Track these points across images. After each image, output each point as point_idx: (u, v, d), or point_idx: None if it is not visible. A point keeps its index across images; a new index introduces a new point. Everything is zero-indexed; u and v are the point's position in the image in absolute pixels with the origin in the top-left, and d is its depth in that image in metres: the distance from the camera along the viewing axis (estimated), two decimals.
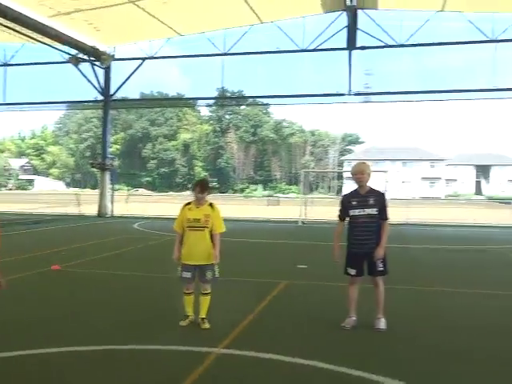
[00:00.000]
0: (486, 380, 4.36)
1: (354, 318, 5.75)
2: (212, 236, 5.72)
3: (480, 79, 22.14)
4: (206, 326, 5.65)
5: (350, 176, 5.87)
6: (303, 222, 22.36)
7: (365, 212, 5.54)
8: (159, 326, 5.78)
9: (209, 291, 5.77)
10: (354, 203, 5.60)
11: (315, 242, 15.34)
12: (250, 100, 28.55)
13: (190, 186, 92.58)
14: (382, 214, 5.59)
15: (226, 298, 7.02)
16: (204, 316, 5.72)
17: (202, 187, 5.69)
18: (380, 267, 5.61)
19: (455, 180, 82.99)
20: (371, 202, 5.55)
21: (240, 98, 27.01)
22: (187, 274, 5.72)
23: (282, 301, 7.24)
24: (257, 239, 16.09)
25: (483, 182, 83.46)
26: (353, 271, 5.70)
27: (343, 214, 5.74)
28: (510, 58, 21.90)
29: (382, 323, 5.66)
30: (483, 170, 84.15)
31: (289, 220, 23.85)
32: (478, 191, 79.91)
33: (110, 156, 26.39)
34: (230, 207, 29.40)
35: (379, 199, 5.62)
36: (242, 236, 16.74)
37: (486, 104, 69.73)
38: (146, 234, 17.14)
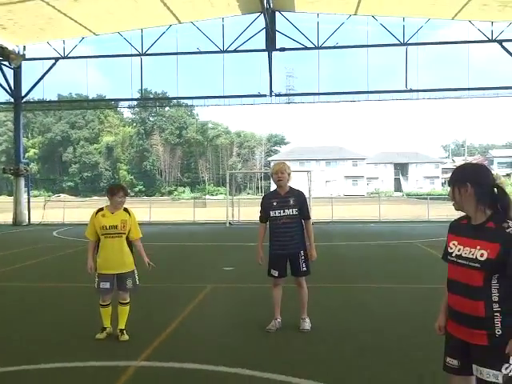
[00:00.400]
0: (407, 375, 4.45)
1: (279, 320, 5.71)
2: (130, 243, 5.48)
3: (394, 81, 23.08)
4: (125, 337, 5.38)
5: (270, 175, 5.79)
6: (231, 223, 22.29)
7: (285, 213, 5.47)
8: (75, 341, 5.42)
9: (128, 301, 5.51)
10: (274, 204, 5.50)
11: (242, 242, 15.27)
12: (174, 101, 28.09)
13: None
14: (303, 213, 5.56)
15: (148, 305, 6.77)
16: (123, 327, 5.44)
17: (124, 191, 5.47)
18: (303, 267, 5.59)
19: (376, 178, 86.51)
20: (291, 202, 5.49)
21: (162, 99, 26.44)
22: (105, 285, 5.40)
23: (207, 306, 7.06)
24: (183, 242, 15.76)
25: (402, 179, 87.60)
26: (276, 273, 5.62)
27: (264, 215, 5.64)
28: (421, 60, 23.02)
29: (307, 324, 5.66)
30: (401, 168, 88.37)
31: (216, 222, 23.71)
32: (398, 188, 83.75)
33: (24, 161, 24.98)
34: (158, 210, 28.87)
35: (299, 199, 5.56)
36: (168, 239, 16.41)
37: (401, 104, 73.51)
38: (65, 241, 16.32)
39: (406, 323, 5.95)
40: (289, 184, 5.65)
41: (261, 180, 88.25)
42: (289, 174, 5.57)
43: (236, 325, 5.98)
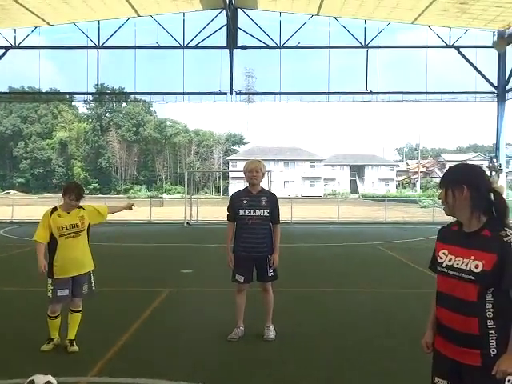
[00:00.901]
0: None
1: (242, 328, 5.37)
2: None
3: (355, 83, 23.17)
4: (75, 348, 4.92)
5: (243, 173, 5.37)
6: (188, 223, 21.80)
7: (255, 213, 5.14)
8: (17, 353, 4.90)
9: (80, 308, 5.07)
10: (244, 202, 5.16)
11: (201, 243, 14.89)
12: (132, 97, 27.28)
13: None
14: (274, 216, 5.25)
15: (100, 312, 6.30)
16: (73, 337, 4.99)
17: (79, 195, 4.99)
18: (270, 272, 5.26)
19: (333, 179, 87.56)
20: (263, 202, 5.18)
21: (118, 94, 25.58)
22: (64, 292, 4.92)
23: (164, 313, 6.63)
24: (138, 243, 15.18)
25: (358, 181, 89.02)
26: (241, 278, 5.24)
27: (232, 213, 5.26)
28: (381, 63, 23.21)
29: (271, 332, 5.34)
30: (358, 170, 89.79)
31: (174, 221, 23.16)
32: (354, 190, 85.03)
33: None
34: None
35: (271, 201, 5.26)
36: (122, 240, 15.77)
37: (360, 107, 74.67)
38: (11, 241, 15.45)
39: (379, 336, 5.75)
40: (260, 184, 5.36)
41: (219, 179, 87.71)
42: (263, 174, 5.30)
43: (195, 333, 5.61)
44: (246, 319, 5.45)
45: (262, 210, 5.16)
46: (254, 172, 5.21)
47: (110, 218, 19.63)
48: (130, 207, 5.66)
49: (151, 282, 8.68)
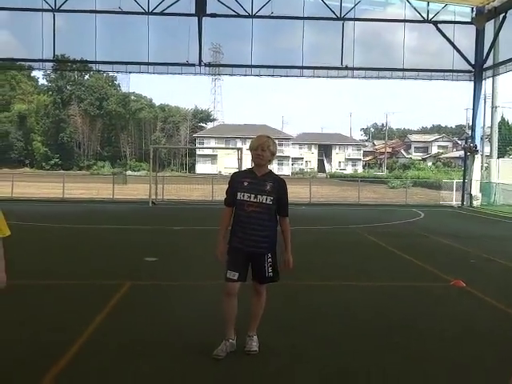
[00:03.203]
0: None
1: (232, 341, 4.29)
2: None
3: (329, 57, 22.16)
4: None
5: (249, 151, 4.36)
6: (154, 203, 20.57)
7: (256, 199, 4.19)
8: None
9: None
10: (245, 184, 4.23)
11: (167, 226, 13.76)
12: (93, 68, 25.52)
13: (27, 161, 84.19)
14: (281, 207, 4.30)
15: (41, 315, 5.17)
16: None
17: None
18: (269, 272, 4.29)
19: (301, 158, 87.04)
20: (268, 188, 4.22)
21: (77, 62, 23.65)
22: None
23: (123, 314, 5.47)
24: (98, 224, 13.91)
25: (325, 160, 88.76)
26: (235, 275, 4.20)
27: (231, 196, 4.32)
28: (357, 39, 22.27)
29: (255, 343, 4.33)
30: (325, 150, 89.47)
31: (138, 200, 21.86)
32: (321, 169, 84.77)
33: None
34: (73, 186, 26.40)
35: (278, 187, 4.27)
36: (80, 221, 14.49)
37: (333, 83, 73.53)
38: None
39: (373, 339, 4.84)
40: (269, 166, 4.37)
41: (185, 157, 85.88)
42: (272, 153, 4.30)
43: (165, 345, 4.51)
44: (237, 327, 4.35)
45: (264, 197, 4.19)
46: (259, 150, 4.24)
47: (71, 195, 18.04)
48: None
49: (111, 272, 7.54)
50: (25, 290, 6.26)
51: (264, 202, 4.19)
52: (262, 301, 4.40)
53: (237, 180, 4.33)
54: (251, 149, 4.32)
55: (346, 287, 6.97)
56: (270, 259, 4.27)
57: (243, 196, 4.21)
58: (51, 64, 24.96)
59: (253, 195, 4.19)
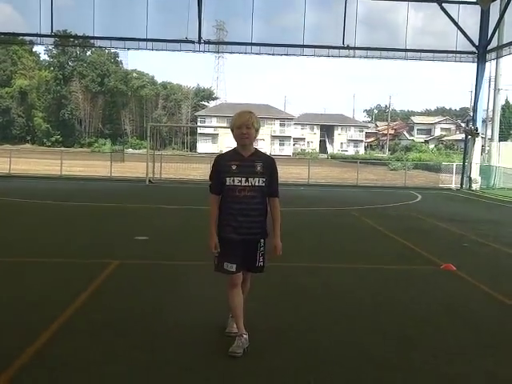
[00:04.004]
0: None
1: (246, 337, 3.96)
2: None
3: (331, 37, 21.82)
4: None
5: (230, 130, 4.04)
6: (151, 181, 20.51)
7: (248, 182, 3.88)
8: None
9: None
10: (233, 168, 3.88)
11: (162, 204, 13.71)
12: (92, 43, 25.17)
13: (28, 138, 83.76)
14: (272, 187, 3.99)
15: (23, 292, 5.15)
16: None
17: None
18: (260, 261, 4.04)
19: (303, 139, 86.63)
20: (258, 168, 3.91)
21: (72, 37, 23.37)
22: None
23: (110, 294, 5.38)
24: (91, 202, 13.80)
25: (327, 141, 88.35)
26: (233, 267, 3.92)
27: (217, 183, 3.96)
28: (360, 17, 21.86)
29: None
30: (327, 130, 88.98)
31: (135, 179, 21.79)
32: (323, 150, 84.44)
33: None
34: (72, 163, 26.35)
35: (268, 166, 3.98)
36: (74, 198, 14.44)
37: (334, 63, 72.79)
38: None
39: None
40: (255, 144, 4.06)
41: (187, 135, 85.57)
42: (257, 130, 3.94)
43: (148, 324, 4.51)
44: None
45: (257, 179, 3.89)
46: (243, 128, 3.87)
47: (65, 172, 17.98)
48: None
49: (98, 251, 7.51)
50: (8, 268, 6.26)
51: (257, 184, 3.89)
52: (247, 288, 4.21)
53: (223, 164, 3.95)
54: (233, 127, 3.94)
55: (336, 269, 6.92)
56: (262, 247, 4.03)
57: (233, 181, 3.87)
58: (51, 39, 24.69)
59: (244, 178, 3.87)
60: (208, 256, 4.16)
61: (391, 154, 65.94)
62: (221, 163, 3.96)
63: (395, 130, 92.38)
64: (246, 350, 3.90)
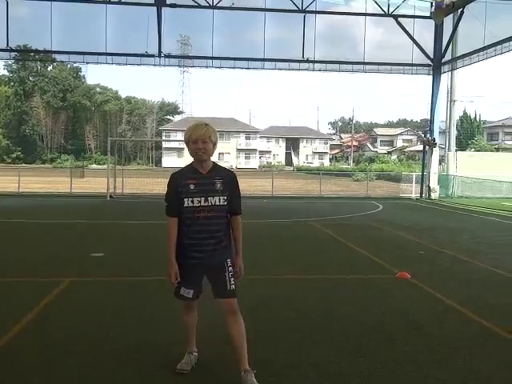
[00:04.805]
0: None
1: (196, 354, 3.90)
2: None
3: (291, 50, 22.12)
4: None
5: (185, 143, 3.65)
6: (112, 197, 20.17)
7: (208, 202, 3.53)
8: None
9: None
10: (191, 188, 3.51)
11: (121, 220, 13.49)
12: (50, 58, 24.79)
13: None
14: (234, 204, 3.63)
15: None
16: None
17: None
18: (231, 284, 3.61)
19: (269, 151, 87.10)
20: (218, 186, 3.55)
21: (28, 52, 22.93)
22: None
23: (55, 312, 5.23)
24: (46, 219, 13.42)
25: (293, 154, 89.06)
26: (189, 293, 3.66)
27: (174, 205, 3.57)
28: (318, 32, 22.25)
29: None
30: (293, 143, 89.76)
31: (96, 194, 21.37)
32: (289, 163, 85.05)
33: None
34: (32, 179, 25.69)
35: (229, 182, 3.62)
36: (29, 215, 14.02)
37: (296, 76, 73.80)
38: None
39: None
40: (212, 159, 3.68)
41: (152, 150, 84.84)
42: (214, 144, 3.60)
43: (99, 342, 4.38)
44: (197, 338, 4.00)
45: (217, 197, 3.54)
46: (199, 143, 3.51)
47: (23, 188, 17.52)
48: None
49: (50, 269, 7.28)
50: None
51: (217, 203, 3.54)
52: (240, 322, 3.62)
53: (179, 183, 3.55)
54: (189, 141, 3.56)
55: (292, 280, 6.91)
56: (230, 267, 3.63)
57: (192, 202, 3.50)
58: (7, 54, 24.17)
59: (203, 198, 3.51)
60: (162, 272, 3.91)
61: (356, 166, 66.96)
62: (178, 182, 3.58)
63: (359, 141, 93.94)
64: (193, 367, 3.84)
